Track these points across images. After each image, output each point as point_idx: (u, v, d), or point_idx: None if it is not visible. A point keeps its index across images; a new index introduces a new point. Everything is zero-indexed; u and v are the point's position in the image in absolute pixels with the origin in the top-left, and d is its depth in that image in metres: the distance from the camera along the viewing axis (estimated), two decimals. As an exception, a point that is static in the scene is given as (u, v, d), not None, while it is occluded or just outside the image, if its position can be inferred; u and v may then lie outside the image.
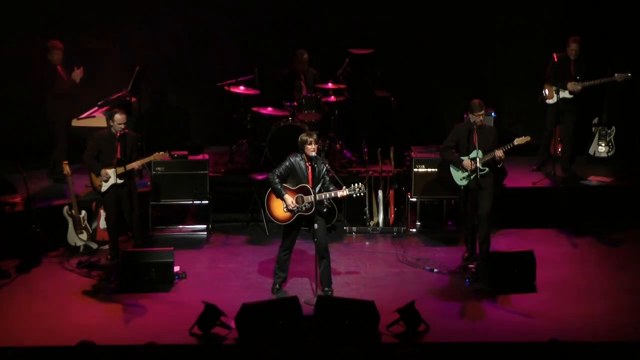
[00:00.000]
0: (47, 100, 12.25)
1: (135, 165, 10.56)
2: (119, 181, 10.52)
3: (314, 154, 9.67)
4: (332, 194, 9.71)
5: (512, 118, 14.03)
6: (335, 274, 10.19)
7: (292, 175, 9.81)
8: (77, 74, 12.21)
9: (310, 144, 9.66)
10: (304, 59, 13.11)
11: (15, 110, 13.65)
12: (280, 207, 9.84)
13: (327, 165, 9.88)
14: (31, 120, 13.35)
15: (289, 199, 9.74)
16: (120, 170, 10.46)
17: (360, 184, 9.77)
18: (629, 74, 12.30)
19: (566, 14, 13.93)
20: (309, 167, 9.75)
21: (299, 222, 9.90)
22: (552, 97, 12.54)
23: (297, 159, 9.78)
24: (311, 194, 9.69)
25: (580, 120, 13.37)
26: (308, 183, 9.74)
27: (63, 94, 12.20)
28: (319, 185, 9.75)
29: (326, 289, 9.86)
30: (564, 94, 12.43)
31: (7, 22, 13.70)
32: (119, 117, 10.50)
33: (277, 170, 9.83)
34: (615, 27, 13.72)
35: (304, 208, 9.75)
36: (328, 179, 9.86)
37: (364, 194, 9.99)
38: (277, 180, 9.77)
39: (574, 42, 12.40)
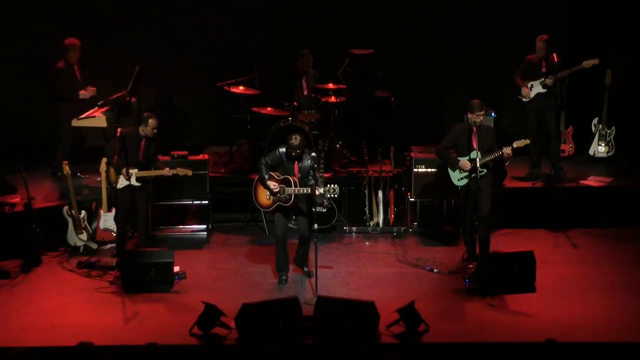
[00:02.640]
0: (56, 99, 12.26)
1: (155, 174, 10.61)
2: (137, 184, 10.56)
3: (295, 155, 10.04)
4: (304, 190, 10.02)
5: (512, 118, 14.04)
6: (335, 274, 10.20)
7: (280, 166, 10.18)
8: (89, 92, 12.21)
9: (293, 149, 10.01)
10: (310, 59, 13.12)
11: (16, 110, 13.65)
12: (265, 194, 10.21)
13: (314, 163, 10.14)
14: (32, 121, 13.35)
15: (272, 183, 10.08)
16: (141, 173, 10.50)
17: (335, 185, 10.10)
18: (597, 60, 12.28)
19: (566, 14, 13.95)
20: (295, 164, 10.08)
21: (285, 213, 10.20)
22: (527, 95, 12.54)
23: (285, 152, 10.10)
24: (292, 187, 10.01)
25: (581, 120, 13.41)
26: (293, 176, 10.08)
27: (73, 96, 12.18)
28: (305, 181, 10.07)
29: (305, 269, 10.32)
30: (538, 89, 12.46)
31: (6, 22, 13.71)
32: (153, 122, 10.53)
33: (265, 158, 10.27)
34: (614, 27, 13.73)
35: (283, 199, 10.05)
36: (311, 176, 10.08)
37: (336, 195, 10.16)
38: (263, 168, 10.17)
39: (541, 41, 12.43)
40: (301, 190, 10.03)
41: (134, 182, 10.57)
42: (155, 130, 10.58)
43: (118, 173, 10.59)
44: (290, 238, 10.51)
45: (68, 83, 12.18)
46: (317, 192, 9.99)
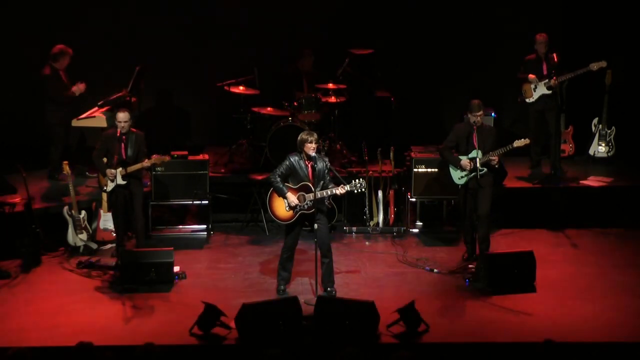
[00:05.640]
0: (46, 102, 12.29)
1: (134, 168, 10.57)
2: (122, 182, 10.56)
3: (313, 153, 9.68)
4: (333, 191, 9.73)
5: (512, 118, 14.04)
6: (335, 274, 10.19)
7: (292, 174, 9.82)
8: (79, 88, 12.23)
9: (311, 142, 9.67)
10: (310, 59, 13.13)
11: (15, 110, 13.66)
12: (282, 207, 9.85)
13: (327, 163, 9.90)
14: (31, 121, 13.35)
15: (292, 196, 9.76)
16: (123, 171, 10.49)
17: (360, 179, 9.80)
18: (604, 62, 12.30)
19: (566, 14, 13.95)
20: (309, 166, 9.77)
21: (301, 221, 9.91)
22: (531, 96, 12.58)
23: (297, 158, 9.80)
24: (312, 193, 9.69)
25: (581, 120, 13.41)
26: (309, 182, 9.75)
27: (62, 99, 12.21)
28: (320, 184, 9.76)
29: (329, 289, 9.87)
30: (542, 91, 12.48)
31: (5, 22, 13.71)
32: (121, 115, 10.53)
33: (277, 170, 9.86)
34: (614, 27, 13.73)
35: (305, 206, 9.76)
36: (329, 178, 9.89)
37: (365, 189, 9.99)
38: (278, 179, 9.80)
39: (540, 39, 12.46)
40: (327, 192, 9.72)
41: (120, 181, 10.57)
42: (121, 124, 10.50)
43: (104, 175, 10.61)
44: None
45: (57, 87, 12.19)
46: (342, 191, 9.73)
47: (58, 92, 12.19)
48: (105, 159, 10.69)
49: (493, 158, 10.39)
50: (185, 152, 12.19)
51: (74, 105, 12.43)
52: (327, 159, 9.99)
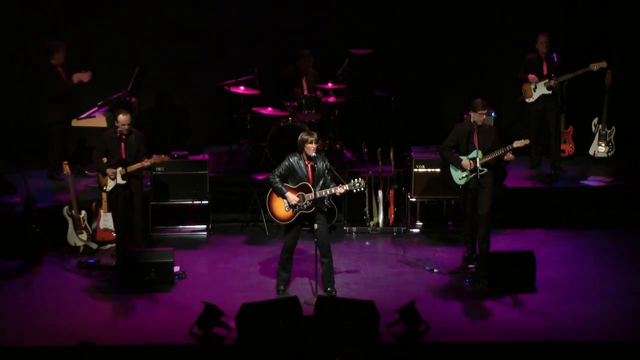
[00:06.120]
0: (45, 102, 12.30)
1: (134, 168, 10.57)
2: (122, 182, 10.55)
3: (314, 153, 9.68)
4: (332, 191, 9.73)
5: (512, 118, 14.05)
6: (335, 274, 10.20)
7: (292, 175, 9.81)
8: (84, 76, 12.24)
9: (311, 143, 9.67)
10: (310, 59, 13.13)
11: (15, 110, 13.66)
12: (282, 207, 9.84)
13: (327, 163, 9.90)
14: (31, 121, 13.35)
15: (291, 195, 9.76)
16: (123, 171, 10.49)
17: (360, 178, 9.79)
18: (604, 63, 12.32)
19: (566, 14, 13.96)
20: (309, 166, 9.77)
21: (301, 222, 9.91)
22: (531, 96, 12.60)
23: (296, 158, 9.79)
24: (311, 192, 9.70)
25: (581, 120, 13.41)
26: (308, 182, 9.75)
27: (62, 96, 12.23)
28: (320, 184, 9.76)
29: (329, 289, 9.86)
30: (542, 91, 12.50)
31: (5, 22, 13.72)
32: (122, 117, 10.49)
33: (276, 170, 9.86)
34: (614, 28, 13.73)
35: (304, 206, 9.76)
36: (329, 178, 9.89)
37: (364, 188, 10.00)
38: (277, 179, 9.80)
39: (542, 38, 12.48)
40: (326, 192, 9.70)
41: (119, 181, 10.56)
42: (125, 126, 10.46)
43: (104, 175, 10.61)
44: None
45: (56, 84, 12.20)
46: (342, 190, 9.70)
47: (57, 89, 12.19)
48: (105, 159, 10.69)
49: (507, 159, 10.39)
50: (185, 152, 12.19)
51: (73, 105, 12.44)
52: (326, 159, 10.00)
